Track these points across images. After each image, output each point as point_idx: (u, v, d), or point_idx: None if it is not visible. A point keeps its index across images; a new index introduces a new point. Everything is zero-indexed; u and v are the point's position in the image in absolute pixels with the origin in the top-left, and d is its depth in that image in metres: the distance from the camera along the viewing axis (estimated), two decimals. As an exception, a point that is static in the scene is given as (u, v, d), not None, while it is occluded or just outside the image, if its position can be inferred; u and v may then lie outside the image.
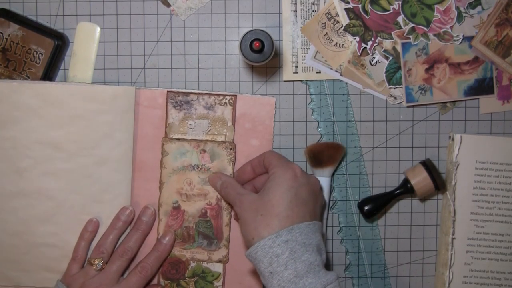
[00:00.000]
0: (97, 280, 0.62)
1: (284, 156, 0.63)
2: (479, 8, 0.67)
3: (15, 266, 0.66)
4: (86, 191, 0.65)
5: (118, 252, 0.64)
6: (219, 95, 0.66)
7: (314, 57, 0.68)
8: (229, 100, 0.66)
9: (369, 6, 0.66)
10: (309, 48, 0.68)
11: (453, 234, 0.68)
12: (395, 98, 0.68)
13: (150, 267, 0.64)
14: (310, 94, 0.68)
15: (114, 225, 0.65)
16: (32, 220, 0.65)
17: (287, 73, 0.68)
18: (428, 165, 0.66)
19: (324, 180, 0.68)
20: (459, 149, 0.67)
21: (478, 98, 0.69)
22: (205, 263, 0.68)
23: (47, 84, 0.64)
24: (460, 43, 0.67)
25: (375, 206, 0.67)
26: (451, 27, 0.67)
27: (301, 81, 0.68)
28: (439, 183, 0.66)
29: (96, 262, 0.63)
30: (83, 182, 0.65)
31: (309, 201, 0.57)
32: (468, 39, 0.67)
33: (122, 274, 0.65)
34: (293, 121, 0.69)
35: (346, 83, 0.68)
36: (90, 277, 0.62)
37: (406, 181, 0.67)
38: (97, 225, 0.65)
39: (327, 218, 0.69)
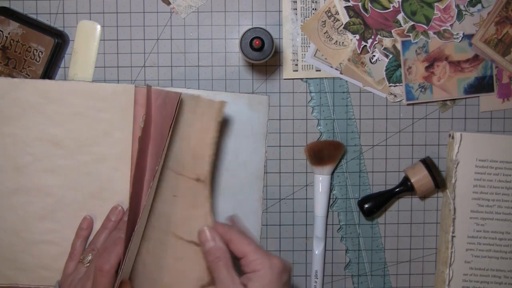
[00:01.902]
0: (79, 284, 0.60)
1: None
2: (479, 6, 0.67)
3: (12, 265, 0.66)
4: (85, 188, 0.65)
5: (97, 253, 0.62)
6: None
7: (314, 55, 0.68)
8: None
9: (369, 4, 0.66)
10: (309, 46, 0.68)
11: (453, 232, 0.68)
12: (395, 96, 0.68)
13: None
14: (310, 92, 0.68)
15: (105, 224, 0.65)
16: (31, 217, 0.65)
17: (287, 71, 0.68)
18: (428, 163, 0.66)
19: (324, 178, 0.68)
20: (459, 147, 0.67)
21: (478, 96, 0.69)
22: None
23: (47, 81, 0.64)
24: (460, 41, 0.67)
25: (375, 204, 0.67)
26: (451, 25, 0.67)
27: (301, 79, 0.68)
28: (439, 181, 0.66)
29: (86, 257, 0.62)
30: (82, 179, 0.65)
31: None
32: (468, 37, 0.67)
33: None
34: (293, 119, 0.69)
35: (346, 81, 0.68)
36: (79, 275, 0.61)
37: (406, 179, 0.67)
38: (91, 222, 0.65)
39: (327, 216, 0.69)
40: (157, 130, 0.61)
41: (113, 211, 0.65)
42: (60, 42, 0.65)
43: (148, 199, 0.58)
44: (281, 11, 0.67)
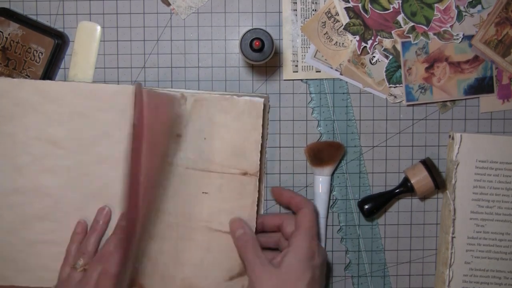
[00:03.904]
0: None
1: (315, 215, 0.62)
2: (479, 7, 0.67)
3: (11, 265, 0.66)
4: (84, 189, 0.65)
5: (96, 258, 0.62)
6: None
7: (314, 56, 0.68)
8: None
9: (369, 5, 0.66)
10: (309, 47, 0.68)
11: (453, 233, 0.68)
12: (395, 97, 0.69)
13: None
14: (310, 93, 0.68)
15: (94, 227, 0.64)
16: (30, 217, 0.65)
17: (287, 72, 0.68)
18: (428, 164, 0.66)
19: (324, 179, 0.68)
20: (459, 148, 0.67)
21: (478, 97, 0.69)
22: None
23: (47, 81, 0.64)
24: (460, 42, 0.67)
25: (375, 205, 0.67)
26: (451, 26, 0.67)
27: (301, 80, 0.68)
28: (439, 182, 0.66)
29: (77, 262, 0.62)
30: (81, 179, 0.65)
31: (321, 280, 0.60)
32: (468, 38, 0.67)
33: None
34: (293, 120, 0.69)
35: (346, 82, 0.68)
36: (75, 281, 0.61)
37: (406, 180, 0.67)
38: (86, 226, 0.65)
39: (327, 217, 0.69)
40: (152, 130, 0.61)
41: (100, 212, 0.65)
42: (60, 43, 0.65)
43: (156, 201, 0.60)
44: (281, 12, 0.67)
